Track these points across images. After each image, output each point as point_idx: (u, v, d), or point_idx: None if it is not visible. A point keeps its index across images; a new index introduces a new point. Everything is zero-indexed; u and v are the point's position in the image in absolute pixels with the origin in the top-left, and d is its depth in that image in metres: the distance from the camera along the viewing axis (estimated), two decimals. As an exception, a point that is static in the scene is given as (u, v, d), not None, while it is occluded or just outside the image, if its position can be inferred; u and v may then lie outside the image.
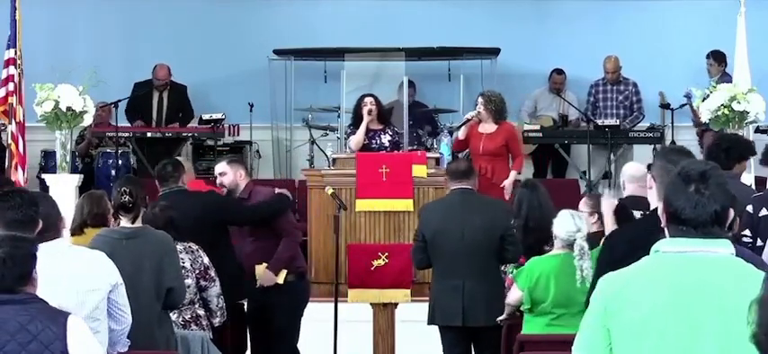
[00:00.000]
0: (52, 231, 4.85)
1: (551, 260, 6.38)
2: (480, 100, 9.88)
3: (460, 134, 9.98)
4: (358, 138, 9.63)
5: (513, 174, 9.55)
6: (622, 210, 5.85)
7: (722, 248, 3.07)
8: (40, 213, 4.67)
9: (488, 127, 9.75)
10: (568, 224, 6.35)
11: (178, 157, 8.28)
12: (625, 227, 4.85)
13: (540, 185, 7.49)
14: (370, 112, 9.63)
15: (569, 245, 6.25)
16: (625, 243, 4.22)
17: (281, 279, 7.12)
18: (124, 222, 5.73)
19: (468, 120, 9.93)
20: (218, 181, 7.39)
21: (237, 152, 12.52)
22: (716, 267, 3.04)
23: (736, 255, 3.13)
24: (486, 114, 9.79)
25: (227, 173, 7.32)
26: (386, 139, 9.71)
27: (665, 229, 3.13)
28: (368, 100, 9.72)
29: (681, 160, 3.96)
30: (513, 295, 6.46)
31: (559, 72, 12.69)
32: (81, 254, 5.01)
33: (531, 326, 6.36)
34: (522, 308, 6.42)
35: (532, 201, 7.10)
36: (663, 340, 2.99)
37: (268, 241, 7.15)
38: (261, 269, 7.14)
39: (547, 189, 7.66)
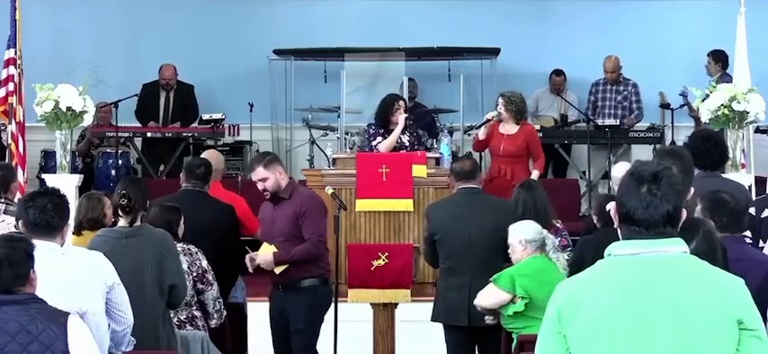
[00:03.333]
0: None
1: (535, 261, 6.43)
2: (501, 101, 9.74)
3: (480, 134, 9.85)
4: (389, 144, 9.50)
5: (534, 175, 9.47)
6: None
7: (674, 247, 3.08)
8: (63, 221, 4.67)
9: (509, 128, 9.65)
10: (534, 225, 6.58)
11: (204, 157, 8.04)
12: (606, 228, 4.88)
13: (538, 186, 7.51)
14: (406, 120, 9.54)
15: (541, 247, 6.50)
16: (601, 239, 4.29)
17: (277, 270, 6.94)
18: (122, 222, 5.74)
19: (489, 121, 9.83)
20: (260, 188, 7.04)
21: (237, 152, 12.55)
22: (667, 266, 3.05)
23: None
24: (506, 115, 9.68)
25: (269, 178, 6.97)
26: (406, 139, 9.69)
27: (618, 229, 3.14)
28: (401, 104, 9.59)
29: (674, 162, 4.00)
30: (495, 297, 6.44)
31: (559, 73, 12.70)
32: (79, 255, 5.01)
33: (520, 325, 6.37)
34: (511, 310, 6.41)
35: (528, 201, 7.13)
36: (616, 342, 2.99)
37: (294, 243, 6.94)
38: (267, 249, 6.95)
39: (547, 189, 7.68)
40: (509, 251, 6.63)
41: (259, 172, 6.99)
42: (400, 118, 9.53)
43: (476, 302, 6.58)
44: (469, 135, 11.60)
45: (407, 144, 9.65)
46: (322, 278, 7.07)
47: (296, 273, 6.98)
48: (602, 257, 3.12)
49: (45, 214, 4.62)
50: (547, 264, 6.50)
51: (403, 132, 9.64)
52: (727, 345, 2.98)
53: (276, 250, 6.93)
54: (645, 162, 3.16)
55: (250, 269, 7.05)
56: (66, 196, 4.82)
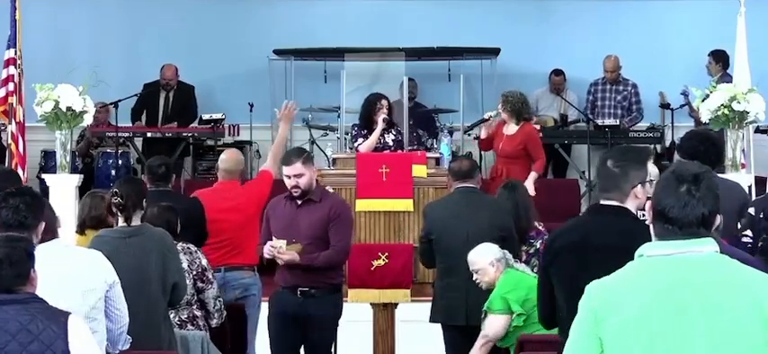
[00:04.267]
0: (49, 232, 4.86)
1: (511, 275, 6.46)
2: (500, 99, 9.79)
3: (482, 133, 9.87)
4: (370, 145, 9.45)
5: (532, 176, 9.43)
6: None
7: (706, 246, 3.08)
8: (37, 220, 4.66)
9: (510, 128, 9.62)
10: (494, 245, 6.60)
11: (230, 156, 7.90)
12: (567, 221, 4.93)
13: (520, 186, 7.51)
14: (385, 120, 9.44)
15: (507, 262, 6.52)
16: (559, 233, 4.38)
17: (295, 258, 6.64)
18: (121, 222, 5.75)
19: (485, 120, 9.84)
20: (290, 183, 6.71)
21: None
22: (700, 265, 3.05)
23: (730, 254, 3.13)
24: (505, 115, 9.67)
25: (305, 174, 6.70)
26: (390, 139, 9.65)
27: (651, 227, 3.14)
28: (384, 103, 9.49)
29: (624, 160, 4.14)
30: (501, 322, 6.38)
31: (558, 73, 12.71)
32: (78, 254, 5.02)
33: (512, 341, 6.37)
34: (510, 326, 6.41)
35: (510, 202, 7.13)
36: (652, 343, 2.99)
37: (320, 247, 6.70)
38: (297, 248, 6.61)
39: (547, 189, 7.68)
40: (476, 276, 6.57)
41: (296, 167, 6.70)
42: (380, 118, 9.47)
43: (488, 335, 6.46)
44: (469, 135, 11.60)
45: (392, 144, 9.61)
46: (338, 287, 6.92)
47: (320, 281, 6.74)
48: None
49: (18, 214, 4.63)
50: (518, 273, 6.51)
51: (388, 132, 9.60)
52: (761, 344, 2.98)
53: (300, 248, 6.64)
54: (687, 162, 3.17)
55: (266, 256, 6.72)
56: (40, 194, 4.82)
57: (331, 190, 7.56)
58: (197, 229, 6.97)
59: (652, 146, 11.88)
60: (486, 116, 9.90)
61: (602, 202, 4.26)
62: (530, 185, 9.29)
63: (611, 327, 3.04)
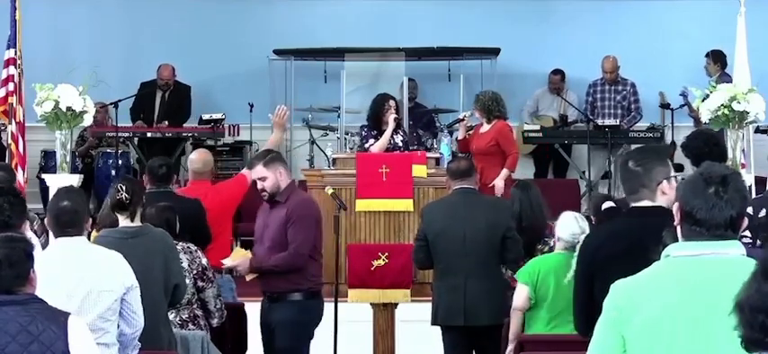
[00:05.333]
0: (77, 227, 4.84)
1: (552, 259, 6.39)
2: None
3: (459, 133, 10.04)
4: (382, 145, 9.46)
5: (503, 173, 9.53)
6: (612, 210, 5.95)
7: (733, 249, 3.07)
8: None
9: (485, 126, 9.81)
10: (573, 225, 6.39)
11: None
12: (602, 226, 4.91)
13: (533, 185, 7.53)
14: (396, 120, 9.48)
15: (572, 247, 6.25)
16: (602, 240, 4.31)
17: (248, 277, 6.72)
18: (122, 221, 5.72)
19: (461, 120, 10.01)
20: (259, 187, 6.72)
21: (237, 152, 12.55)
22: (726, 267, 3.04)
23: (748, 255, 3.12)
24: (477, 113, 9.86)
25: (268, 177, 6.63)
26: (399, 139, 9.68)
27: (678, 228, 3.13)
28: (392, 104, 9.52)
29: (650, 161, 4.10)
30: (520, 296, 6.39)
31: (556, 72, 12.71)
32: (98, 254, 4.99)
33: (532, 327, 6.35)
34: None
35: (524, 201, 7.13)
36: (675, 342, 2.99)
37: (282, 250, 6.64)
38: (240, 253, 6.70)
39: (547, 189, 7.69)
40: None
41: (258, 171, 6.67)
42: (390, 118, 9.49)
43: (516, 305, 6.43)
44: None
45: (400, 144, 9.63)
46: (309, 292, 6.72)
47: (283, 285, 6.66)
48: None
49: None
50: (554, 261, 6.38)
51: (396, 132, 9.61)
52: None
53: (250, 255, 6.70)
54: (714, 164, 3.15)
55: (223, 270, 6.81)
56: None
57: (301, 191, 7.45)
58: (196, 230, 6.96)
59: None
60: (461, 116, 10.04)
61: (635, 204, 4.19)
62: (500, 183, 9.39)
63: (634, 326, 3.04)
